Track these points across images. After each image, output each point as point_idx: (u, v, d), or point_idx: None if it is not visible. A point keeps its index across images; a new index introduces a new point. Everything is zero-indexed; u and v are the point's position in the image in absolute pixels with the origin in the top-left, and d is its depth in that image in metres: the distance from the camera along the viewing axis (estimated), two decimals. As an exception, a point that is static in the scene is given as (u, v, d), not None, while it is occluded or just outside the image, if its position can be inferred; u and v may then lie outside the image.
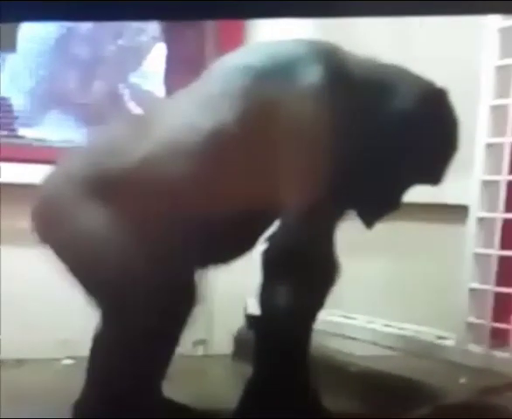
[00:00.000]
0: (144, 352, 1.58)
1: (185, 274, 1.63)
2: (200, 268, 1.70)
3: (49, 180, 1.71)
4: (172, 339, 1.62)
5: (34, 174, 2.20)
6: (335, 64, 1.65)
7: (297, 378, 1.69)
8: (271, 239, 1.66)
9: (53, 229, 1.67)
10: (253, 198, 1.65)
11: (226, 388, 2.04)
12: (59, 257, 1.65)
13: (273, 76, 1.63)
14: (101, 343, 1.63)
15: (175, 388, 1.77)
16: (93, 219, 1.62)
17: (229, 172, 1.63)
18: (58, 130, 2.71)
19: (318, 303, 1.68)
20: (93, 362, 1.64)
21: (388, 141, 1.65)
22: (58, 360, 2.30)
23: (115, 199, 1.61)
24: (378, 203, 1.73)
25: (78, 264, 1.64)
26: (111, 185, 1.62)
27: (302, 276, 1.63)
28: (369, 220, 1.75)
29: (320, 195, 1.62)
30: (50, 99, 2.76)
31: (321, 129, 1.62)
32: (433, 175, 1.74)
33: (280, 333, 1.65)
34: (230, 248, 1.74)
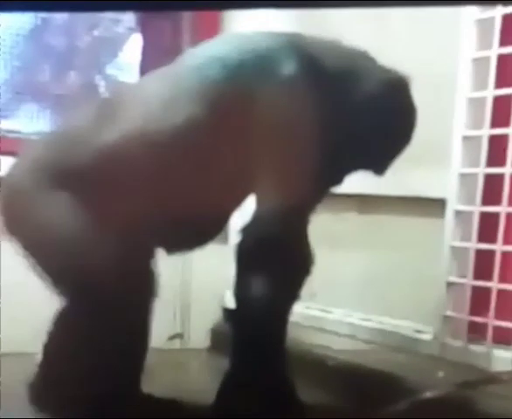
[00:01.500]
0: (108, 343, 1.59)
1: (143, 261, 1.66)
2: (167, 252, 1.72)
3: (13, 171, 1.71)
4: (135, 327, 1.64)
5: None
6: (305, 54, 1.65)
7: (273, 370, 1.68)
8: (245, 231, 1.65)
9: (18, 221, 1.68)
10: (220, 189, 1.66)
11: (203, 381, 2.03)
12: (25, 248, 1.65)
13: (245, 67, 1.62)
14: (67, 331, 1.65)
15: (152, 381, 1.76)
16: (58, 210, 1.63)
17: (198, 162, 1.63)
18: (33, 122, 2.69)
19: (293, 294, 1.68)
20: (56, 354, 1.67)
21: (347, 125, 1.65)
22: (37, 354, 2.28)
23: (79, 188, 1.61)
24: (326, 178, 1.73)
25: (43, 255, 1.65)
26: (75, 174, 1.62)
27: (277, 267, 1.62)
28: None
29: (294, 187, 1.62)
30: (25, 90, 2.73)
31: (295, 120, 1.62)
32: (381, 163, 1.73)
33: (256, 326, 1.65)
34: (194, 236, 1.74)
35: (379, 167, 1.74)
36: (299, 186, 1.63)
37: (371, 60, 1.71)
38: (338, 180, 1.76)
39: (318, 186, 1.67)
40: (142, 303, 1.65)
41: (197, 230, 1.72)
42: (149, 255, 1.72)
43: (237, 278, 1.66)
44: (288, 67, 1.61)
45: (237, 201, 1.72)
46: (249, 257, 1.65)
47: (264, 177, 1.62)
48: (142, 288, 1.64)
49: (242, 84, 1.62)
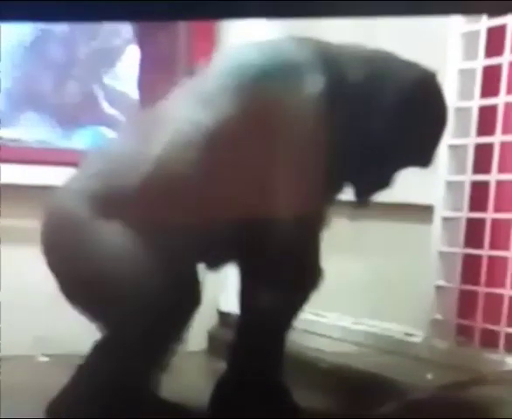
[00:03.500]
0: (146, 353, 1.56)
1: (189, 273, 1.60)
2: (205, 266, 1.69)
3: (56, 201, 1.64)
4: (175, 339, 1.60)
5: (9, 174, 2.20)
6: (331, 60, 1.63)
7: (272, 376, 1.69)
8: (254, 239, 1.62)
9: (64, 255, 1.60)
10: (248, 199, 1.60)
11: (200, 383, 2.02)
12: (68, 283, 1.59)
13: (272, 75, 1.59)
14: (104, 349, 1.58)
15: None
16: (109, 241, 1.55)
17: (227, 171, 1.58)
18: (33, 130, 2.70)
19: (299, 305, 1.67)
20: (95, 366, 1.59)
21: (383, 127, 1.64)
22: (34, 356, 2.28)
23: (127, 215, 1.54)
24: (373, 183, 1.74)
25: (87, 288, 1.58)
26: (122, 201, 1.55)
27: (288, 279, 1.61)
28: (362, 198, 1.75)
29: (313, 200, 1.60)
30: (25, 99, 2.74)
31: (320, 130, 1.58)
32: (426, 156, 1.73)
33: (261, 333, 1.65)
34: (226, 248, 1.69)
35: (425, 160, 1.72)
36: (317, 200, 1.62)
37: (395, 60, 1.70)
38: (383, 183, 1.74)
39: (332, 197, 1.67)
40: (183, 316, 1.60)
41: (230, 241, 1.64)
42: (193, 266, 1.64)
43: (243, 284, 1.65)
44: (317, 77, 1.59)
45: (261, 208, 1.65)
46: (257, 267, 1.64)
47: (284, 186, 1.59)
48: (185, 302, 1.58)
49: (270, 91, 1.58)
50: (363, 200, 1.75)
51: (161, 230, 1.54)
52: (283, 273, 1.61)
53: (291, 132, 1.59)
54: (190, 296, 1.59)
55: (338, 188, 1.71)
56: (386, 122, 1.64)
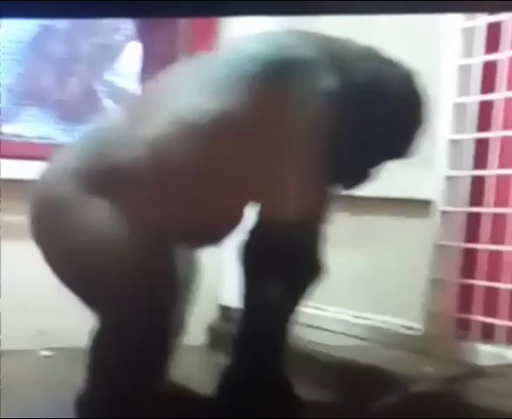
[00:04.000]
0: (139, 343, 1.53)
1: (169, 260, 1.57)
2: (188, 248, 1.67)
3: (44, 178, 1.61)
4: (164, 326, 1.56)
5: (12, 169, 2.21)
6: (334, 55, 1.64)
7: (274, 370, 1.69)
8: (254, 233, 1.63)
9: (50, 231, 1.58)
10: (248, 192, 1.61)
11: (201, 378, 2.03)
12: (55, 259, 1.57)
13: (278, 67, 1.58)
14: (98, 340, 1.55)
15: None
16: (96, 217, 1.52)
17: (229, 161, 1.57)
18: (35, 126, 2.69)
19: (301, 299, 1.67)
20: (92, 359, 1.57)
21: (375, 124, 1.67)
22: (36, 351, 2.28)
23: (118, 191, 1.52)
24: (359, 177, 1.76)
25: (78, 268, 1.56)
26: (115, 177, 1.53)
27: (290, 273, 1.61)
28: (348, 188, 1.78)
29: (314, 194, 1.61)
30: (27, 95, 2.74)
31: (323, 125, 1.59)
32: (406, 149, 1.75)
33: (260, 327, 1.65)
34: (219, 229, 1.68)
35: (405, 152, 1.75)
36: (319, 196, 1.62)
37: (383, 59, 1.71)
38: (364, 177, 1.76)
39: (334, 192, 1.67)
40: (167, 304, 1.56)
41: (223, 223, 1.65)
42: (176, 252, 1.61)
43: (244, 279, 1.65)
44: (321, 71, 1.59)
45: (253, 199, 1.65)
46: (257, 259, 1.63)
47: (287, 180, 1.59)
48: (173, 289, 1.56)
49: (276, 83, 1.57)
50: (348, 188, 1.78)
51: (148, 213, 1.52)
52: (285, 267, 1.60)
53: (295, 126, 1.58)
54: (171, 281, 1.56)
55: (337, 182, 1.71)
56: (376, 119, 1.66)
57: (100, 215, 1.52)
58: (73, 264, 1.56)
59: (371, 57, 1.70)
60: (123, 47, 2.82)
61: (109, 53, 2.84)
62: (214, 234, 1.68)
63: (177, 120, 1.55)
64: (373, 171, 1.75)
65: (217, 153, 1.56)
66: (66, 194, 1.54)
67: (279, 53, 1.61)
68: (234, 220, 1.65)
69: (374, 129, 1.67)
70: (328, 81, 1.59)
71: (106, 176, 1.53)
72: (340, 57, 1.65)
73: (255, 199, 1.62)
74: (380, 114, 1.67)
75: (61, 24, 2.75)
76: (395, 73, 1.70)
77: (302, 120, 1.58)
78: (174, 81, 1.65)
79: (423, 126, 1.74)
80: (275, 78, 1.58)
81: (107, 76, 2.84)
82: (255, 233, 1.63)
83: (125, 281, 1.51)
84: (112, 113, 1.70)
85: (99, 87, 2.82)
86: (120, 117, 1.64)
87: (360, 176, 1.76)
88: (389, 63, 1.71)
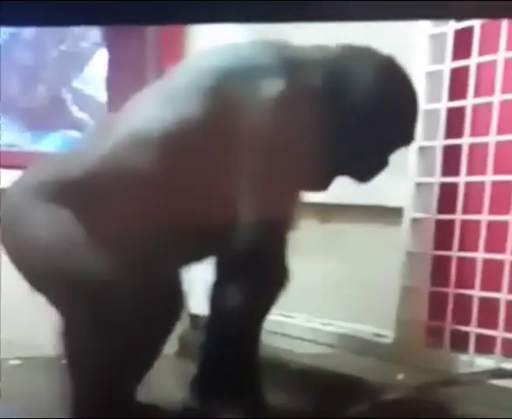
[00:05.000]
0: (126, 358, 1.55)
1: (163, 276, 1.58)
2: (179, 267, 1.66)
3: (12, 189, 1.66)
4: (158, 344, 1.62)
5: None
6: (293, 62, 1.62)
7: (244, 377, 1.68)
8: (222, 243, 1.62)
9: (13, 238, 1.62)
10: (212, 200, 1.60)
11: (171, 386, 2.00)
12: (24, 266, 1.60)
13: (238, 78, 1.59)
14: (80, 349, 1.57)
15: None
16: (57, 226, 1.56)
17: (191, 170, 1.58)
18: (2, 134, 2.66)
19: (267, 306, 1.67)
20: (74, 366, 1.59)
21: (361, 116, 1.65)
22: (6, 360, 2.25)
23: (79, 202, 1.55)
24: (369, 167, 1.74)
25: (46, 272, 1.58)
26: (74, 188, 1.56)
27: (257, 279, 1.60)
28: (363, 179, 1.76)
29: (275, 202, 1.60)
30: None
31: (284, 132, 1.58)
32: (409, 133, 1.74)
33: (232, 334, 1.64)
34: (195, 246, 1.68)
35: (409, 136, 1.74)
36: (281, 201, 1.61)
37: (355, 50, 1.70)
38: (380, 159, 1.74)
39: (300, 198, 1.66)
40: (165, 322, 1.61)
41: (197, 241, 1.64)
42: (166, 269, 1.62)
43: (214, 285, 1.65)
44: (277, 80, 1.58)
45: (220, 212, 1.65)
46: (230, 266, 1.64)
47: (246, 189, 1.58)
48: (165, 307, 1.58)
49: (231, 95, 1.58)
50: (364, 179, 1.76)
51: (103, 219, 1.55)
52: (250, 274, 1.60)
53: (254, 135, 1.58)
54: (167, 299, 1.58)
55: (307, 186, 1.71)
56: (359, 113, 1.65)
57: (56, 220, 1.56)
58: (33, 264, 1.60)
59: (339, 56, 1.69)
60: (91, 55, 2.81)
61: (77, 61, 2.82)
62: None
63: (133, 132, 1.58)
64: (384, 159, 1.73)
65: (172, 164, 1.57)
66: (29, 203, 1.59)
67: (235, 65, 1.62)
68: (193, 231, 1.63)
69: (350, 129, 1.66)
70: (285, 89, 1.58)
71: (64, 187, 1.57)
72: (302, 64, 1.64)
73: (213, 209, 1.62)
74: (355, 113, 1.65)
75: (28, 32, 2.72)
76: (367, 65, 1.69)
77: (255, 129, 1.57)
78: (138, 98, 1.68)
79: (415, 105, 1.73)
80: (229, 90, 1.58)
81: (75, 83, 2.82)
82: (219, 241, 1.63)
83: (77, 280, 1.53)
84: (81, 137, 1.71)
85: (67, 95, 2.80)
86: (84, 139, 1.73)
87: (360, 169, 1.74)
88: (361, 54, 1.70)
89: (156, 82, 1.70)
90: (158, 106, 1.61)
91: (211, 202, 1.61)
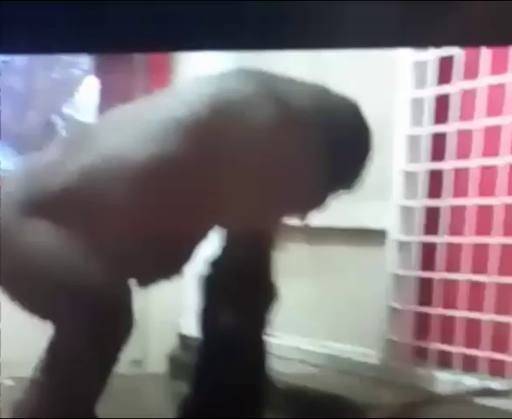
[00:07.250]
0: (82, 371, 1.53)
1: (121, 293, 1.56)
2: (137, 285, 1.63)
3: None
4: (110, 358, 1.55)
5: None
6: (278, 94, 1.62)
7: (235, 395, 1.65)
8: (215, 264, 1.63)
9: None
10: (187, 219, 1.58)
11: (160, 405, 1.98)
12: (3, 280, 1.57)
13: (221, 106, 1.57)
14: (47, 358, 1.56)
15: (110, 406, 1.70)
16: (35, 237, 1.54)
17: (169, 194, 1.56)
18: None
19: (257, 324, 1.66)
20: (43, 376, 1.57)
21: (320, 155, 1.63)
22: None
23: (53, 214, 1.53)
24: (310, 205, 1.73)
25: (20, 285, 1.56)
26: (49, 200, 1.54)
27: (244, 299, 1.61)
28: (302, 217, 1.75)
29: (265, 224, 1.60)
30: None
31: (266, 157, 1.57)
32: (355, 177, 1.72)
33: (223, 354, 1.63)
34: (163, 265, 1.66)
35: (354, 181, 1.72)
36: (270, 223, 1.61)
37: (329, 94, 1.70)
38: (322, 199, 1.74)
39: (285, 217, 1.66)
40: (117, 337, 1.55)
41: (166, 259, 1.64)
42: (125, 286, 1.60)
43: (203, 307, 1.64)
44: (257, 107, 1.58)
45: (203, 232, 1.64)
46: (220, 289, 1.63)
47: (232, 211, 1.57)
48: (119, 322, 1.54)
49: (212, 121, 1.56)
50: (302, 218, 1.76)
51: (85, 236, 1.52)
52: (238, 293, 1.60)
53: (238, 158, 1.56)
54: (121, 315, 1.55)
55: (288, 210, 1.70)
56: (323, 150, 1.63)
57: (36, 233, 1.54)
58: (15, 277, 1.57)
59: (316, 92, 1.68)
60: (81, 81, 2.81)
61: (67, 87, 2.82)
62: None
63: (106, 156, 1.55)
64: (321, 200, 1.72)
65: (149, 189, 1.55)
66: (10, 218, 1.56)
67: (216, 96, 1.59)
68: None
69: (317, 160, 1.63)
70: (265, 118, 1.57)
71: (41, 200, 1.55)
72: (284, 94, 1.63)
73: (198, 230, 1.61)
74: (323, 146, 1.63)
75: (20, 59, 2.71)
76: (338, 107, 1.69)
77: (243, 152, 1.56)
78: (112, 121, 1.65)
79: (366, 157, 1.71)
80: (208, 120, 1.56)
81: (66, 109, 2.82)
82: (215, 265, 1.64)
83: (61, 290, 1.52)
84: (51, 147, 1.67)
85: (57, 121, 2.79)
86: (57, 151, 1.63)
87: (307, 205, 1.73)
88: (333, 98, 1.69)
89: (141, 107, 1.67)
90: (138, 132, 1.57)
91: (187, 224, 1.59)
